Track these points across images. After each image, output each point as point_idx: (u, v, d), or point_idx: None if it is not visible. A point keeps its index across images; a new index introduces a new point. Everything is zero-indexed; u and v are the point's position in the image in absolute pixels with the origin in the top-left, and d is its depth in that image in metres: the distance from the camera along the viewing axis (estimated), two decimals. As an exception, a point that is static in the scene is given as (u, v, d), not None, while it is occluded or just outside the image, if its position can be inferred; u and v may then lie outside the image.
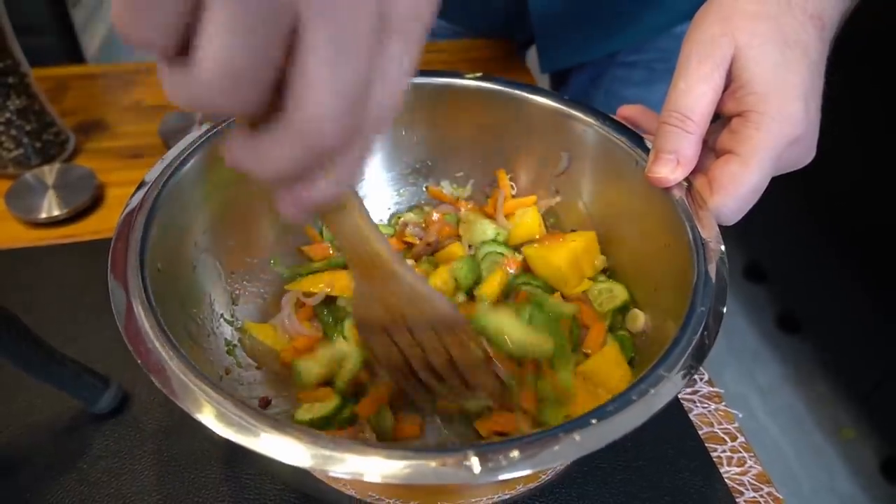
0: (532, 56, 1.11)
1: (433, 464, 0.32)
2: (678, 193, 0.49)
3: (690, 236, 0.46)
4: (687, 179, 0.49)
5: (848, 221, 1.63)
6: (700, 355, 0.39)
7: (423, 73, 0.61)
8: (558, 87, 1.12)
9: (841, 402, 1.80)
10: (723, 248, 0.45)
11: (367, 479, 0.32)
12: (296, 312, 0.56)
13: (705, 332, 0.40)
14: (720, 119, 0.50)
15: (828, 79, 0.49)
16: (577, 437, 0.34)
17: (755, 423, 1.76)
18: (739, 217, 0.48)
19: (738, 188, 0.46)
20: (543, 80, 1.18)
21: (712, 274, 0.43)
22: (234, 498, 0.51)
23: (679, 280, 0.45)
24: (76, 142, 0.83)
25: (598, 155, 0.57)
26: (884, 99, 1.45)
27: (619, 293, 0.56)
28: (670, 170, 0.49)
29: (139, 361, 0.37)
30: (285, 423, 0.34)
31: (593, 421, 0.35)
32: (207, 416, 0.35)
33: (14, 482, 0.51)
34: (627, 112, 0.58)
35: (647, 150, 0.52)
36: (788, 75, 0.46)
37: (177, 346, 0.38)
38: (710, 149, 0.51)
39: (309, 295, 0.57)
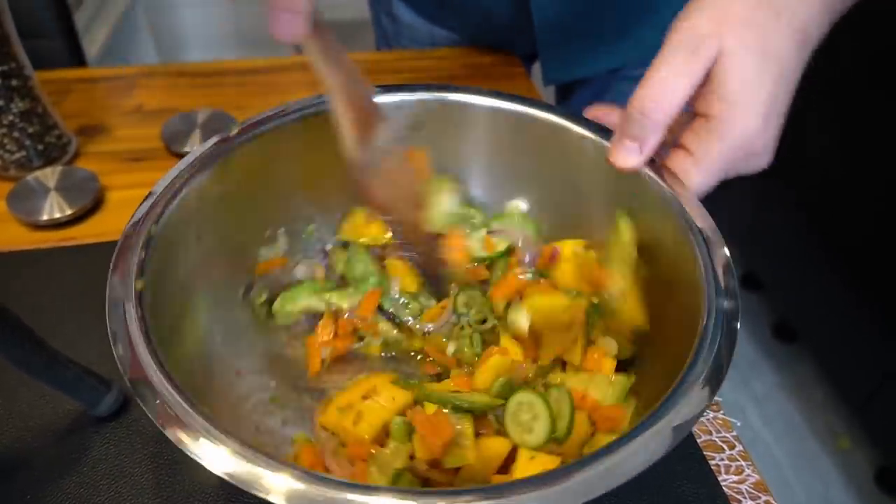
0: (536, 69, 1.12)
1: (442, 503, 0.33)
2: (648, 172, 0.51)
3: (694, 242, 0.47)
4: (655, 161, 0.52)
5: (844, 232, 1.64)
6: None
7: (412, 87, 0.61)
8: (562, 101, 1.13)
9: (836, 411, 1.81)
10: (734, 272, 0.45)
11: None
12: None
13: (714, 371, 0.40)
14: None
15: (801, 87, 0.51)
16: (585, 474, 0.35)
17: (750, 431, 1.76)
18: None
19: (686, 185, 0.50)
20: (548, 93, 1.19)
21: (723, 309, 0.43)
22: (231, 501, 0.51)
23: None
24: (78, 145, 0.83)
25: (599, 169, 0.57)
26: (882, 112, 1.46)
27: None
28: (634, 158, 0.51)
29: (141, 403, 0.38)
30: (283, 461, 0.35)
31: (604, 460, 0.35)
32: (203, 454, 0.35)
33: (13, 484, 0.51)
34: (595, 112, 0.59)
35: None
36: (760, 91, 0.48)
37: (174, 379, 0.38)
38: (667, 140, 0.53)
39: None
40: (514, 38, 1.02)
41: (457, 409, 0.48)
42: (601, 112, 0.59)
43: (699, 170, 0.50)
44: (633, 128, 0.50)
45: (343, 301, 0.58)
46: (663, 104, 0.48)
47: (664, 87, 0.48)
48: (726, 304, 0.43)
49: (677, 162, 0.51)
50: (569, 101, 1.09)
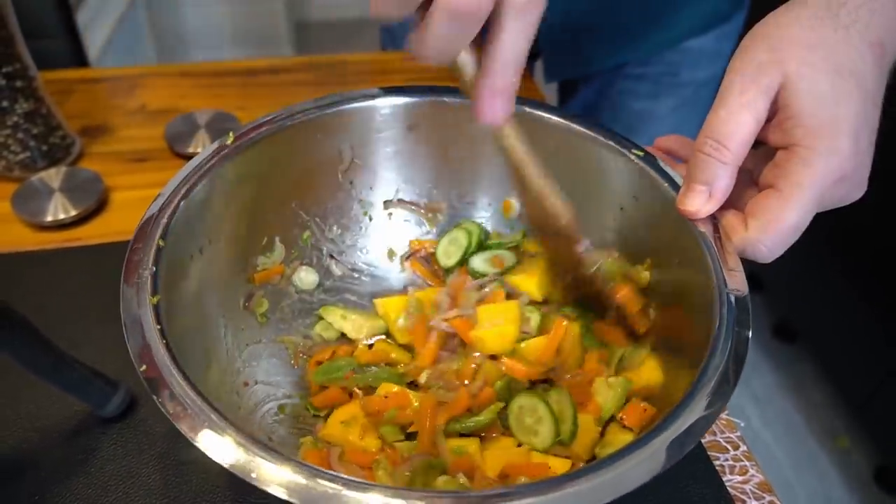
0: (538, 67, 1.12)
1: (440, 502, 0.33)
2: (703, 228, 0.47)
3: (712, 268, 0.45)
4: (714, 216, 0.48)
5: (845, 231, 1.64)
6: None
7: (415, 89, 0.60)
8: (565, 99, 1.13)
9: (836, 410, 1.81)
10: (746, 292, 0.44)
11: None
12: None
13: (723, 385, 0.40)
14: (761, 147, 0.48)
15: (885, 109, 0.47)
16: (590, 483, 0.35)
17: (750, 431, 1.77)
18: (776, 255, 0.46)
19: (776, 225, 0.44)
20: (550, 90, 1.19)
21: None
22: (239, 501, 0.51)
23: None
24: (81, 145, 0.83)
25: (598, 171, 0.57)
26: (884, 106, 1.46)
27: None
28: (702, 202, 0.46)
29: (157, 400, 0.38)
30: (290, 457, 0.35)
31: (609, 469, 0.35)
32: (208, 444, 0.36)
33: (21, 485, 0.51)
34: (664, 143, 0.56)
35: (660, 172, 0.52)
36: (840, 109, 0.43)
37: (194, 385, 0.38)
38: (749, 181, 0.49)
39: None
40: None
41: (463, 432, 0.49)
42: (673, 145, 0.56)
43: (789, 206, 0.44)
44: (700, 171, 0.46)
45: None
46: (729, 143, 0.45)
47: (726, 125, 0.45)
48: (736, 311, 0.43)
49: (762, 202, 0.45)
50: (573, 98, 1.09)
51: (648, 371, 0.51)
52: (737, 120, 0.44)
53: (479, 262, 0.61)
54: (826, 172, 0.43)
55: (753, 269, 2.03)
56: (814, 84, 0.43)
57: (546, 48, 0.96)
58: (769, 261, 0.46)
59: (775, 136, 0.46)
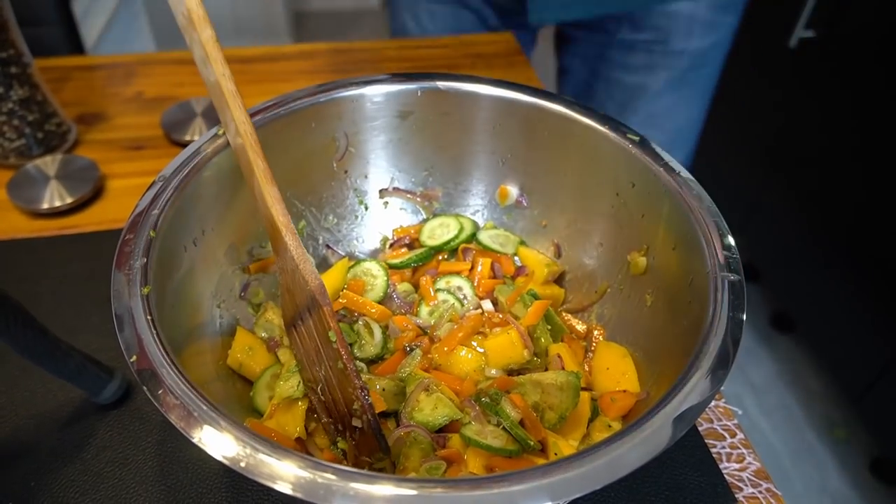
0: (536, 54, 1.11)
1: (440, 490, 0.33)
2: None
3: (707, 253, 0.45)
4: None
5: (842, 221, 1.64)
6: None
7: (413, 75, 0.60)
8: (560, 80, 1.12)
9: (833, 401, 1.81)
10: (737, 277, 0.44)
11: None
12: None
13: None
14: None
15: (880, 99, 0.46)
16: (588, 466, 0.35)
17: (748, 421, 1.77)
18: None
19: None
20: (549, 82, 1.18)
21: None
22: (235, 488, 0.51)
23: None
24: (77, 133, 0.83)
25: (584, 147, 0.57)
26: (882, 101, 1.45)
27: None
28: None
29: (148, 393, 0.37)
30: (288, 449, 0.35)
31: (607, 451, 0.35)
32: (207, 441, 0.35)
33: (18, 471, 0.51)
34: None
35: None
36: None
37: (185, 376, 0.38)
38: None
39: None
40: None
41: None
42: None
43: None
44: None
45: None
46: None
47: None
48: (731, 295, 0.43)
49: None
50: (567, 79, 1.07)
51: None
52: None
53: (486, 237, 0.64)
54: None
55: (751, 260, 2.03)
56: None
57: None
58: None
59: None
